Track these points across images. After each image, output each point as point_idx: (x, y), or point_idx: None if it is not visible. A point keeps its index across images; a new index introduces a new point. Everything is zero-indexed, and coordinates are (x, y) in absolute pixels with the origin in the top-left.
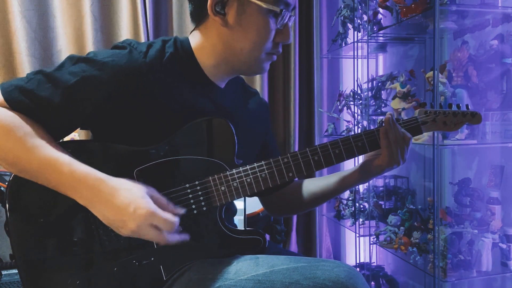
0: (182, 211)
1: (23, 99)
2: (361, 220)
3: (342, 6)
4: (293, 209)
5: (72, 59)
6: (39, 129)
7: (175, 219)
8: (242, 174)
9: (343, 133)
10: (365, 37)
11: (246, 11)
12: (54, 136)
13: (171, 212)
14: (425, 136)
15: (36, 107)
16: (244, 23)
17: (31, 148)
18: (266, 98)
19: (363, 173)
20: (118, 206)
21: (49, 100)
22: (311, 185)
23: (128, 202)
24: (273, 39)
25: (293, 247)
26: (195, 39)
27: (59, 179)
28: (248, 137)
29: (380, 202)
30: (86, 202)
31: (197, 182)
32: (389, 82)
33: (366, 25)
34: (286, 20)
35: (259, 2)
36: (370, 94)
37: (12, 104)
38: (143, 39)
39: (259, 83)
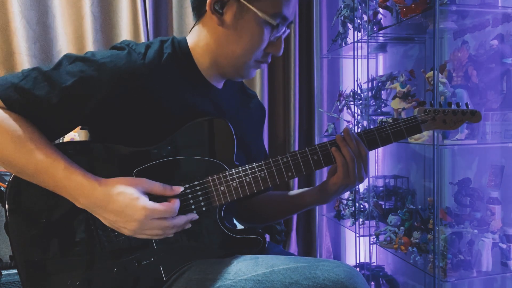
0: (180, 189)
1: (19, 99)
2: (361, 220)
3: (342, 6)
4: (255, 219)
5: (70, 58)
6: (36, 131)
7: (174, 205)
8: (242, 174)
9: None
10: (365, 37)
11: (243, 17)
12: (51, 136)
13: (169, 194)
14: (425, 136)
15: (33, 107)
16: (240, 27)
17: (27, 151)
18: (266, 98)
19: (321, 192)
20: (115, 211)
21: (46, 101)
22: (274, 198)
23: (124, 206)
24: (264, 49)
25: (293, 247)
26: (192, 36)
27: (55, 184)
28: (244, 138)
29: (380, 202)
30: (84, 207)
31: (196, 182)
32: (389, 82)
33: (366, 25)
34: (280, 34)
35: (258, 12)
36: (370, 94)
37: (8, 103)
38: (143, 39)
39: (259, 83)
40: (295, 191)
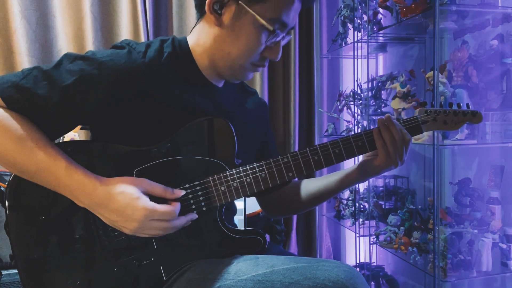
0: (182, 193)
1: (20, 98)
2: (361, 220)
3: (342, 6)
4: (291, 209)
5: (70, 57)
6: (37, 130)
7: (174, 208)
8: (242, 174)
9: (343, 133)
10: (365, 37)
11: (241, 18)
12: (52, 135)
13: (170, 197)
14: (425, 136)
15: (33, 106)
16: (237, 29)
17: (28, 150)
18: (266, 98)
19: (361, 173)
20: (115, 210)
21: (47, 99)
22: (309, 185)
23: (124, 205)
24: (261, 53)
25: (293, 247)
26: (193, 36)
27: (56, 183)
28: (247, 137)
29: (380, 202)
30: (85, 205)
31: (196, 182)
32: (389, 82)
33: (366, 25)
34: (278, 39)
35: (256, 15)
36: (370, 94)
37: (9, 103)
38: (143, 39)
39: (259, 83)
40: (330, 178)
